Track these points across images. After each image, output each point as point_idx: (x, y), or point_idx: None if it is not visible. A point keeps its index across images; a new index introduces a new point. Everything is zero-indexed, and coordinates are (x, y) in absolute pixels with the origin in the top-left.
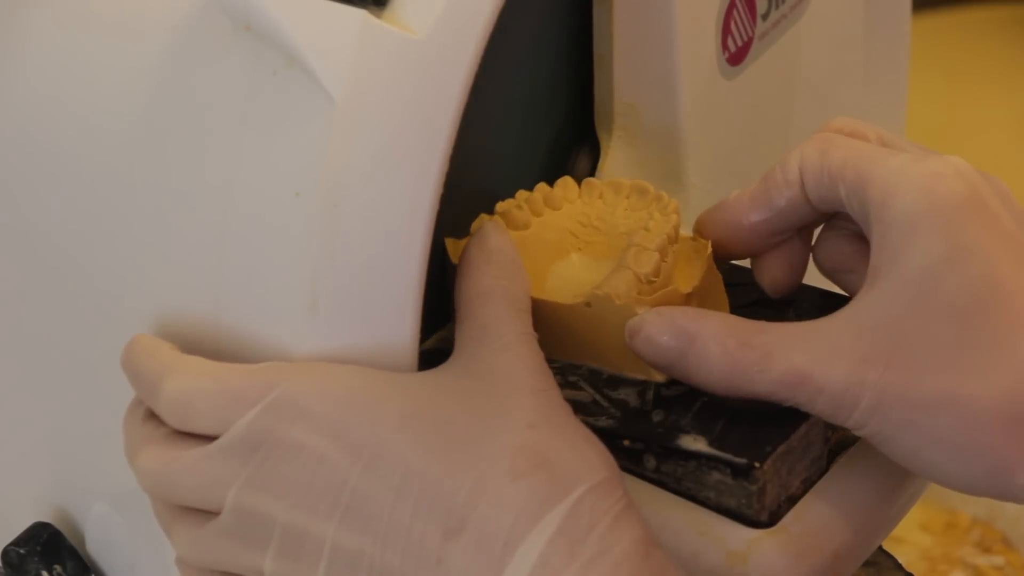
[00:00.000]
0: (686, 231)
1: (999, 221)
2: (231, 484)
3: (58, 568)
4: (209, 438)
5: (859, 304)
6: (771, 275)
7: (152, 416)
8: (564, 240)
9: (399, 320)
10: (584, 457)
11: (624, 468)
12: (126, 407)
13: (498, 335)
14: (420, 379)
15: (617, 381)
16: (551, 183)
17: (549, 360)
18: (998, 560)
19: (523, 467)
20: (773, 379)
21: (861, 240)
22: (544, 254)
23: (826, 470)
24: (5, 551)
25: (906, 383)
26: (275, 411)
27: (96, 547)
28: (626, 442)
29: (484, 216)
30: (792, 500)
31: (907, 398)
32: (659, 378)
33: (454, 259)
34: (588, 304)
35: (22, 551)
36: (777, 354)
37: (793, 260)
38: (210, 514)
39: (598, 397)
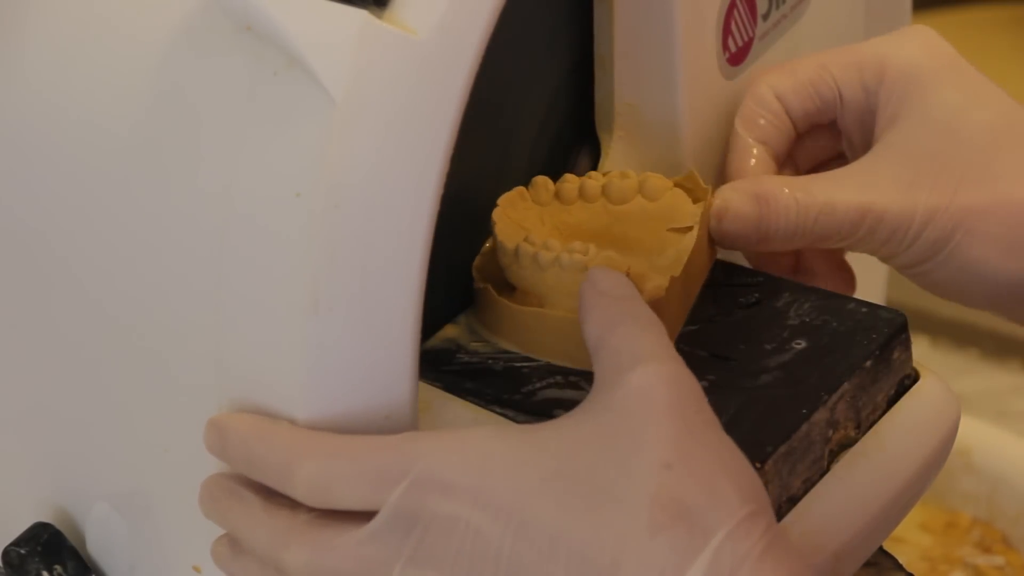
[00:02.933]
0: None
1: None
2: (393, 564)
3: (59, 568)
4: (354, 514)
5: (891, 141)
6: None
7: (275, 501)
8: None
9: (400, 319)
10: (722, 496)
11: None
12: (127, 408)
13: (632, 353)
14: (557, 430)
15: None
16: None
17: (566, 368)
18: (998, 560)
19: (662, 518)
20: (839, 218)
21: None
22: None
23: (826, 470)
24: (6, 551)
25: (953, 196)
26: (421, 488)
27: (96, 547)
28: None
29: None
30: (793, 500)
31: (957, 206)
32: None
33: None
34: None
35: (23, 551)
36: (838, 197)
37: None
38: None
39: None
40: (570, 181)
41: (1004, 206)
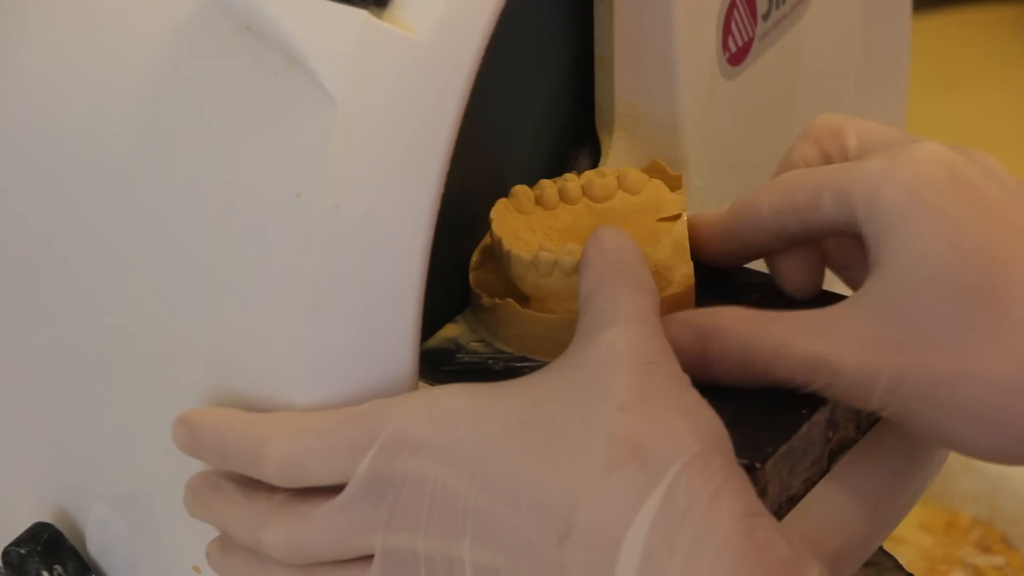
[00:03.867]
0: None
1: (982, 194)
2: (374, 530)
3: (59, 568)
4: (331, 489)
5: (865, 292)
6: (791, 278)
7: (251, 486)
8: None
9: (400, 319)
10: (677, 434)
11: None
12: (127, 408)
13: (611, 314)
14: (522, 384)
15: None
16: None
17: None
18: (998, 560)
19: (616, 458)
20: (793, 365)
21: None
22: None
23: (827, 470)
24: (6, 551)
25: (921, 361)
26: (390, 451)
27: (97, 547)
28: None
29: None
30: (793, 500)
31: (924, 375)
32: None
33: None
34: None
35: (23, 551)
36: (795, 341)
37: (811, 261)
38: (351, 562)
39: None
40: (548, 187)
41: (972, 376)
